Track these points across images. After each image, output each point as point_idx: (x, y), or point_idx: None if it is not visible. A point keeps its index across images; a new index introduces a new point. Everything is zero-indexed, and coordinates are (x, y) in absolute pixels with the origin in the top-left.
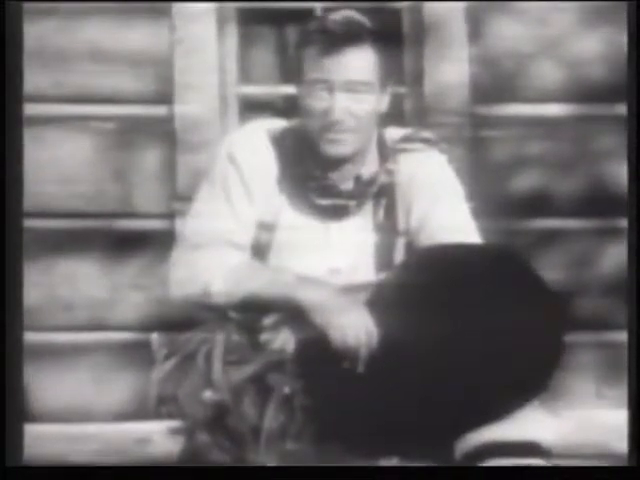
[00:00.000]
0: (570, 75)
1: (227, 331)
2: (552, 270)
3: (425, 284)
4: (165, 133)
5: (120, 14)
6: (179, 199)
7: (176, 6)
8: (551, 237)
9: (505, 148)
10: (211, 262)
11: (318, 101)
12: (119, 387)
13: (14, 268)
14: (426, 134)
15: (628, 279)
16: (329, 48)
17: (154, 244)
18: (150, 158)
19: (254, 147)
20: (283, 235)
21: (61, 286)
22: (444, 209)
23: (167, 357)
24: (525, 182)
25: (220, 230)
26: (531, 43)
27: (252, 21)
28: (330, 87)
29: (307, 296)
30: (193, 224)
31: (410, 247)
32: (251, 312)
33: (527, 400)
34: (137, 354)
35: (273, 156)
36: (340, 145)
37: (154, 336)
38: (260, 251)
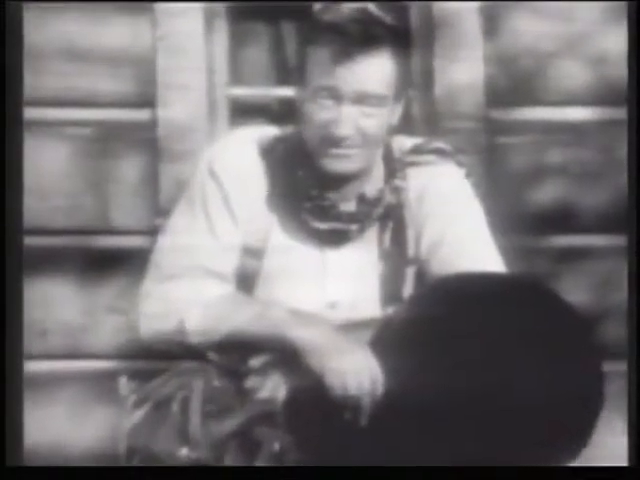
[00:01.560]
0: (595, 75)
1: (206, 376)
2: (576, 292)
3: (440, 320)
4: (147, 140)
5: (97, 9)
6: (162, 214)
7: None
8: (575, 256)
9: (523, 157)
10: (187, 294)
11: (321, 110)
12: (96, 423)
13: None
14: (440, 144)
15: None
16: (341, 52)
17: (134, 263)
18: (130, 168)
19: (239, 160)
20: (273, 263)
21: (33, 309)
22: (461, 232)
23: (137, 404)
24: (546, 195)
25: (198, 256)
26: (552, 40)
27: (244, 16)
28: (337, 97)
29: (300, 335)
30: (166, 249)
31: (421, 277)
32: (234, 353)
33: (563, 461)
34: (116, 385)
35: (262, 170)
36: (344, 162)
37: (122, 380)
38: (245, 281)
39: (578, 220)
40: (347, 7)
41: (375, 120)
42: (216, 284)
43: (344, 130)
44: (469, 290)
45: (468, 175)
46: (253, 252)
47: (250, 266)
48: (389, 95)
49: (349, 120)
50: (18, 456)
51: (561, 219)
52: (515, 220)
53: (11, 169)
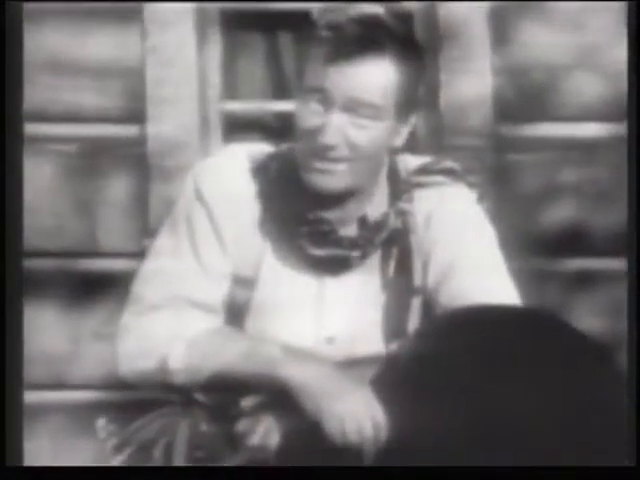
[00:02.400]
0: (611, 89)
1: (192, 419)
2: (590, 318)
3: (449, 357)
4: (135, 157)
5: (83, 18)
6: (151, 235)
7: (148, 9)
8: (588, 280)
9: (534, 176)
10: (169, 328)
11: (310, 116)
12: (82, 458)
13: None
14: (450, 164)
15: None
16: (335, 51)
17: (122, 288)
18: (118, 187)
19: (228, 180)
20: (265, 293)
21: None
22: (472, 261)
23: (118, 449)
24: (558, 216)
25: (182, 286)
26: (565, 52)
27: (238, 26)
28: (327, 100)
29: (295, 374)
30: (147, 277)
31: (428, 309)
32: (223, 394)
33: None
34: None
35: (253, 191)
36: (328, 177)
37: (100, 422)
38: (235, 314)
39: (592, 242)
40: (349, 8)
41: (367, 133)
42: (202, 317)
43: (329, 138)
44: (481, 324)
45: (480, 198)
46: (243, 281)
47: (240, 297)
48: (386, 107)
49: (336, 128)
50: (18, 456)
51: (574, 241)
52: (525, 242)
53: (11, 188)
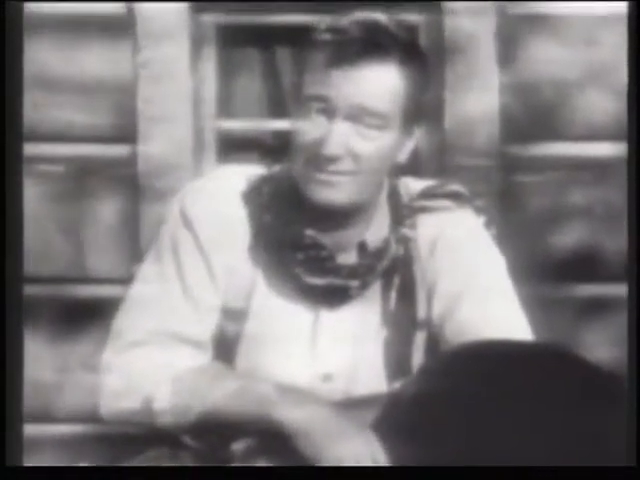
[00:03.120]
0: (623, 107)
1: (180, 463)
2: (602, 347)
3: (457, 398)
4: (126, 178)
5: (71, 31)
6: (142, 261)
7: (141, 22)
8: (600, 307)
9: (543, 197)
10: (154, 365)
11: (311, 126)
12: None
13: None
14: (455, 187)
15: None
16: (338, 56)
17: (111, 315)
18: (108, 209)
19: (218, 205)
20: (257, 326)
21: None
22: (480, 292)
23: None
24: (568, 239)
25: (168, 319)
26: (575, 68)
27: (234, 41)
28: (330, 110)
29: (290, 415)
30: (131, 310)
31: (433, 344)
32: (213, 437)
33: None
34: (91, 452)
35: (245, 217)
36: (331, 189)
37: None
38: (224, 349)
39: (604, 267)
40: (355, 15)
41: (372, 144)
42: (189, 353)
43: (331, 149)
44: (490, 362)
45: (488, 224)
46: (233, 313)
47: (230, 330)
48: (392, 115)
49: (339, 138)
50: (18, 456)
51: (585, 266)
52: (533, 268)
53: (11, 214)
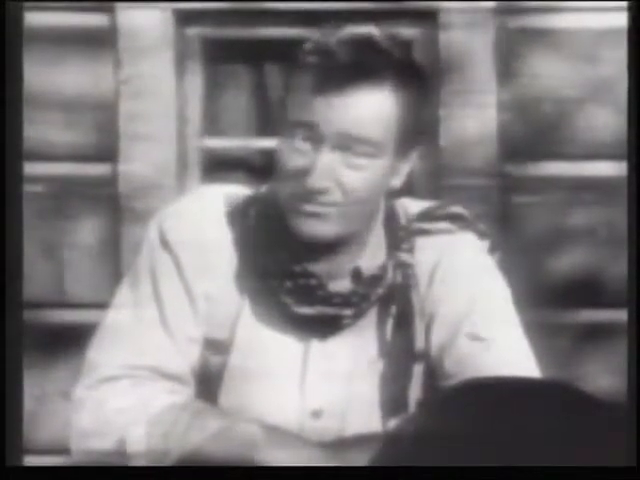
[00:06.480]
0: (625, 125)
1: None
2: (603, 375)
3: (458, 437)
4: (107, 198)
5: (51, 46)
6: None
7: (123, 37)
8: (603, 333)
9: (543, 218)
10: (128, 403)
11: (296, 155)
12: None
13: None
14: (457, 209)
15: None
16: (324, 79)
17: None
18: (88, 230)
19: (199, 227)
20: (241, 359)
21: None
22: (482, 323)
23: None
24: (569, 262)
25: (144, 352)
26: (577, 85)
27: (221, 57)
28: (316, 137)
29: (278, 459)
30: (104, 341)
31: (433, 378)
32: None
33: None
34: None
35: (229, 241)
36: (318, 221)
37: None
38: (206, 384)
39: (606, 292)
40: (344, 32)
41: (362, 174)
42: (168, 388)
43: (318, 181)
44: (493, 399)
45: (492, 249)
46: (216, 345)
47: (212, 363)
48: (384, 143)
49: (326, 169)
50: (18, 456)
51: (586, 291)
52: (533, 292)
53: (12, 235)
